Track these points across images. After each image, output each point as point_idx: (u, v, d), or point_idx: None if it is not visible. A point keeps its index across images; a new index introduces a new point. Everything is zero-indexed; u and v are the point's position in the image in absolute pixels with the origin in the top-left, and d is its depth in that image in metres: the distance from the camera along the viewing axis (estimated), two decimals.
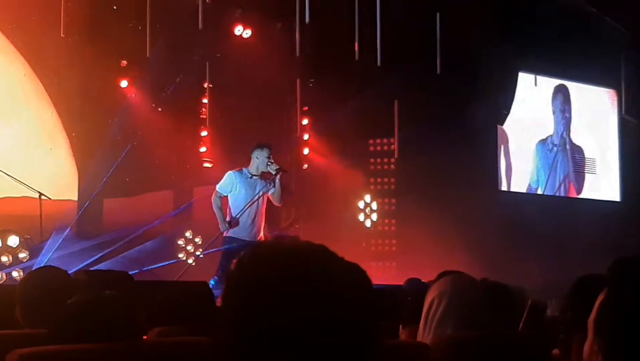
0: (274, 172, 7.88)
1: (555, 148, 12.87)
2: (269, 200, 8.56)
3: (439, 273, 2.91)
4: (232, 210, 8.03)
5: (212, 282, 7.50)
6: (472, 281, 2.78)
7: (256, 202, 7.94)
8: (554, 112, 12.94)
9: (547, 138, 12.84)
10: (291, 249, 1.28)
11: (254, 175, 7.98)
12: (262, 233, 8.05)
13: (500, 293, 3.71)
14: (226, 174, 8.08)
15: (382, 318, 1.34)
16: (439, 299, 2.65)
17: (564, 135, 12.95)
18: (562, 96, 12.98)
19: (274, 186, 7.88)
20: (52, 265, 3.81)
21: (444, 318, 2.62)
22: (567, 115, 12.98)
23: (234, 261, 1.31)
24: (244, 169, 8.06)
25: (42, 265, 6.83)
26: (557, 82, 12.94)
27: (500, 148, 12.41)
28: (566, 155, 12.96)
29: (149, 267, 8.67)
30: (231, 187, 7.98)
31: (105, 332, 2.43)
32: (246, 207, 7.84)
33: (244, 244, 7.77)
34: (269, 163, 7.91)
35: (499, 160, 12.36)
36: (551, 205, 12.36)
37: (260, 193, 7.93)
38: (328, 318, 1.21)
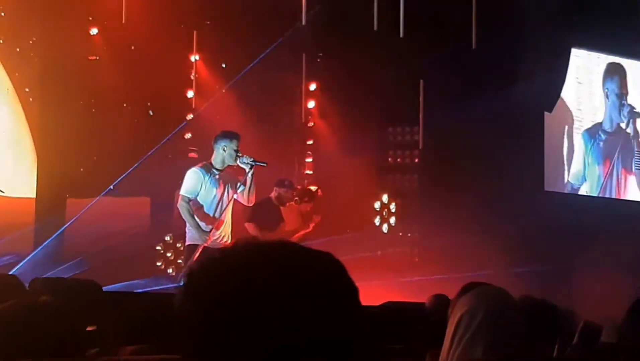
0: (247, 167, 7.87)
1: (608, 138, 12.81)
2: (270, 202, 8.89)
3: (463, 286, 2.91)
4: (199, 217, 7.86)
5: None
6: (507, 295, 2.77)
7: (227, 203, 7.96)
8: (607, 95, 12.88)
9: (594, 126, 12.78)
10: (245, 249, 1.37)
11: (220, 170, 7.95)
12: (229, 239, 7.99)
13: (545, 314, 3.70)
14: (189, 173, 7.93)
15: (360, 311, 1.38)
16: (470, 316, 2.63)
17: (623, 120, 12.87)
18: (618, 77, 12.92)
19: (244, 182, 7.83)
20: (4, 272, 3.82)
21: (474, 338, 2.60)
22: (626, 98, 12.92)
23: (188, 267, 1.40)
24: (207, 164, 7.98)
25: None
26: (611, 59, 12.86)
27: (548, 140, 12.37)
28: (626, 145, 12.88)
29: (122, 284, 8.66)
30: (200, 187, 7.88)
31: (34, 345, 2.40)
32: (221, 208, 7.79)
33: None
34: (238, 156, 7.88)
35: (545, 155, 12.32)
36: (609, 210, 12.31)
37: (230, 191, 7.91)
38: (292, 318, 1.30)
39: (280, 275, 1.32)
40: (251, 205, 8.30)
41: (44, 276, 8.47)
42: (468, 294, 2.73)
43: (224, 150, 7.94)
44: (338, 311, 1.34)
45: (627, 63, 13.01)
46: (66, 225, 9.58)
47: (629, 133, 12.96)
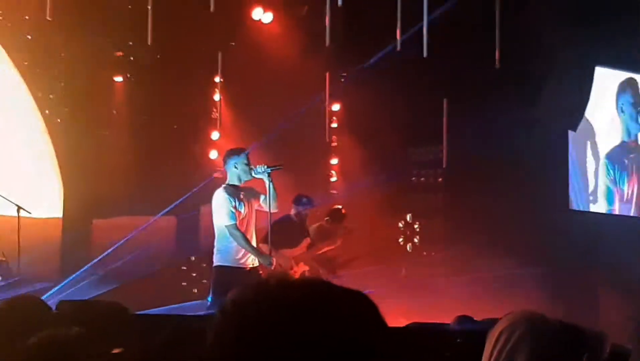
0: (265, 176, 7.75)
1: (629, 156, 12.72)
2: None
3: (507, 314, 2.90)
4: (230, 239, 7.77)
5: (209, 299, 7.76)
6: (549, 320, 2.78)
7: (253, 219, 7.97)
8: (622, 110, 12.80)
9: (614, 149, 12.69)
10: (278, 288, 1.39)
11: (241, 189, 7.88)
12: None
13: (575, 337, 3.66)
14: (219, 197, 7.82)
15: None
16: (511, 330, 2.64)
17: None
18: (630, 89, 12.86)
19: (268, 190, 7.78)
20: (32, 293, 3.85)
21: (514, 350, 2.60)
22: None
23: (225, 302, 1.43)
24: (226, 186, 7.89)
25: (19, 294, 6.88)
26: (627, 75, 12.79)
27: (573, 158, 12.31)
28: None
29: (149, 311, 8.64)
30: (237, 211, 7.79)
31: None
32: (249, 226, 7.79)
33: (243, 272, 7.79)
34: (251, 169, 7.81)
35: (571, 173, 12.25)
36: (636, 228, 12.20)
37: (254, 205, 7.92)
38: (323, 356, 1.32)
39: (312, 314, 1.35)
40: (276, 210, 8.23)
41: (67, 295, 8.53)
42: (511, 313, 2.74)
43: (235, 167, 7.92)
44: (368, 350, 1.36)
45: None
46: (106, 252, 9.56)
47: None
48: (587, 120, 12.43)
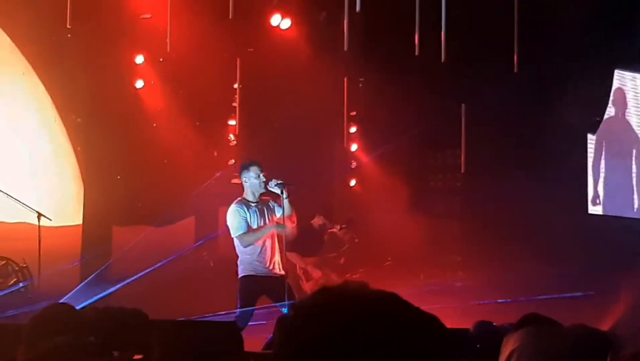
0: (278, 190, 7.79)
1: None
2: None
3: (523, 317, 2.88)
4: (249, 250, 7.91)
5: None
6: (561, 333, 2.77)
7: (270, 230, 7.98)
8: None
9: None
10: (359, 299, 1.33)
11: (255, 202, 7.93)
12: (281, 264, 8.00)
13: (596, 344, 3.66)
14: (232, 211, 7.89)
15: None
16: (520, 353, 2.65)
17: None
18: None
19: (282, 205, 7.79)
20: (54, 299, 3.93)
21: None
22: None
23: (292, 307, 1.36)
24: (241, 199, 7.94)
25: (50, 303, 6.94)
26: None
27: (591, 162, 12.27)
28: None
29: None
30: (248, 222, 7.87)
31: None
32: (266, 240, 7.83)
33: (267, 280, 7.87)
34: (262, 183, 7.83)
35: (589, 177, 12.21)
36: None
37: (272, 217, 7.92)
38: None
39: (391, 331, 1.29)
40: (294, 224, 8.27)
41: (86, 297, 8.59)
42: (521, 331, 2.74)
43: (245, 181, 7.99)
44: None
45: None
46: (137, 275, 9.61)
47: None
48: (608, 123, 12.37)
